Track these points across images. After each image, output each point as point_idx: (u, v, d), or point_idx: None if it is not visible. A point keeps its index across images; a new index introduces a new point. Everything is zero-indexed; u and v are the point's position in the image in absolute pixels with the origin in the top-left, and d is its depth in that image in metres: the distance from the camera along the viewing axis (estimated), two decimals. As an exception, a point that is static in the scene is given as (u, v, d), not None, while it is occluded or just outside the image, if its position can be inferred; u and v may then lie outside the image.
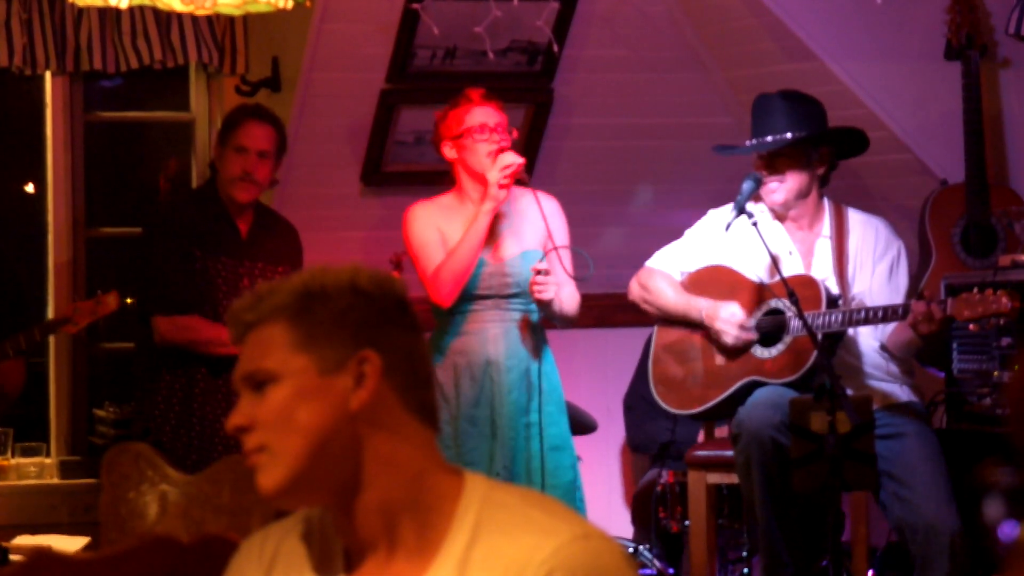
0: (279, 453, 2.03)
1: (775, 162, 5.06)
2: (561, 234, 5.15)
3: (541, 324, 5.16)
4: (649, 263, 5.27)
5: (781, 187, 5.06)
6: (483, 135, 5.05)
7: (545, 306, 5.03)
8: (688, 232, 5.27)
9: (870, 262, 5.08)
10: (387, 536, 2.05)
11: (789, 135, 5.02)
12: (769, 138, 5.05)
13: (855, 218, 5.14)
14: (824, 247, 5.10)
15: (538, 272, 4.97)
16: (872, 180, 6.12)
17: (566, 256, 5.12)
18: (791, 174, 5.05)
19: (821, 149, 5.09)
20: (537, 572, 1.97)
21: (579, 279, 5.11)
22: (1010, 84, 5.90)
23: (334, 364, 2.03)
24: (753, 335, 4.99)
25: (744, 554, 5.63)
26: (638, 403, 6.24)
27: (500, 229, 5.11)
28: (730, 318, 5.00)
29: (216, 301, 5.31)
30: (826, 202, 5.15)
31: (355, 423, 2.03)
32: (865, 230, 5.12)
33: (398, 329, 2.07)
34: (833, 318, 4.83)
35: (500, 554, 2.00)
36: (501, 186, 4.97)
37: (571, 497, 5.09)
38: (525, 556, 1.98)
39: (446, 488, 2.06)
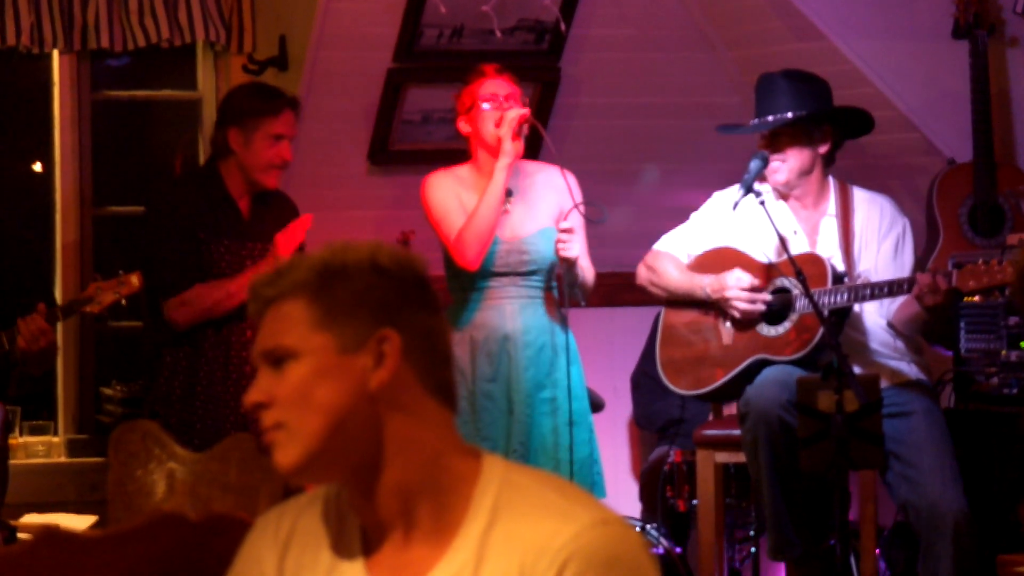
0: (296, 431, 2.02)
1: (776, 141, 5.05)
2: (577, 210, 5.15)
3: (560, 302, 5.16)
4: (656, 246, 5.28)
5: (783, 167, 5.06)
6: (493, 103, 5.06)
7: (569, 267, 5.03)
8: (694, 215, 5.27)
9: (875, 240, 5.08)
10: (404, 518, 2.04)
11: (790, 114, 5.02)
12: (770, 118, 5.05)
13: (860, 196, 5.14)
14: (829, 226, 5.09)
15: (563, 231, 4.99)
16: (879, 159, 6.11)
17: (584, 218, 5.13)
18: (792, 152, 5.05)
19: (823, 127, 5.08)
20: (555, 558, 1.96)
21: (594, 221, 5.14)
22: (1017, 63, 5.89)
23: (354, 343, 2.01)
24: (765, 297, 4.98)
25: (751, 533, 5.64)
26: (645, 381, 6.24)
27: (515, 206, 5.11)
28: (737, 283, 5.00)
29: (219, 285, 5.28)
30: (831, 181, 5.15)
31: (374, 403, 2.02)
32: (870, 208, 5.11)
33: (418, 308, 2.05)
34: (839, 295, 4.83)
35: (518, 538, 1.99)
36: (513, 138, 4.98)
37: (588, 471, 5.09)
38: (543, 541, 1.97)
39: (464, 470, 2.05)
